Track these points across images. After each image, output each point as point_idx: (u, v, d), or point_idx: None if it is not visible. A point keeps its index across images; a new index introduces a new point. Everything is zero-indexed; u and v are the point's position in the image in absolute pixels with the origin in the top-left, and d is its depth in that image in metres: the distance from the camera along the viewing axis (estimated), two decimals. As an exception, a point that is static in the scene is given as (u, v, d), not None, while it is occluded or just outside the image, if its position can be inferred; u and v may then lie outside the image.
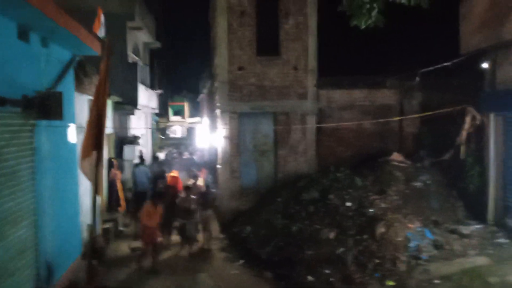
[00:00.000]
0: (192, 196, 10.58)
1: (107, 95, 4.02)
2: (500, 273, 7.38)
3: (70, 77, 8.08)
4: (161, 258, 9.91)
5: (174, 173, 12.62)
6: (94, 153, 3.85)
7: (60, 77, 7.41)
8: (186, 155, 23.00)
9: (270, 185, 13.30)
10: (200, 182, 12.28)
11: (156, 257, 9.43)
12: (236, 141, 13.32)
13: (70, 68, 7.88)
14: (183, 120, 36.79)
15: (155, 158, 17.32)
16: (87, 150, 3.90)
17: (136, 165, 13.17)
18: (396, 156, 11.90)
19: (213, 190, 12.28)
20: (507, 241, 8.70)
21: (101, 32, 6.14)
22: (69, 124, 7.75)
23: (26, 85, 5.93)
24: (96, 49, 7.73)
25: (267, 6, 13.08)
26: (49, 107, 5.81)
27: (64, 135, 7.61)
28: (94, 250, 6.13)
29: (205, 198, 11.00)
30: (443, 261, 8.11)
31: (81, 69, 8.94)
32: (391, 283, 7.52)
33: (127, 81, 16.50)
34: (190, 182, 12.42)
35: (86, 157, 3.90)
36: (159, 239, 9.49)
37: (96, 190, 3.99)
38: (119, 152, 14.38)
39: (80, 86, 8.92)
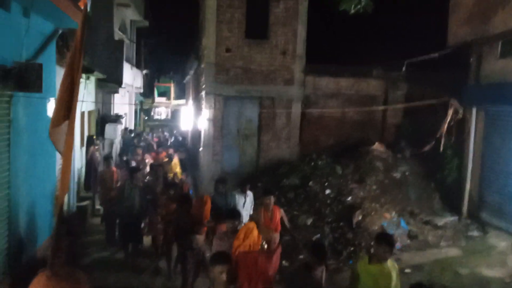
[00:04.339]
0: None
1: (81, 63, 3.90)
2: (471, 264, 7.59)
3: (51, 50, 7.87)
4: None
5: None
6: (65, 124, 3.74)
7: (41, 49, 7.20)
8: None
9: (252, 170, 13.31)
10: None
11: None
12: (219, 124, 13.25)
13: (52, 41, 7.66)
14: (168, 101, 36.33)
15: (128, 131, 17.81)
16: (57, 119, 3.78)
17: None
18: (377, 146, 12.00)
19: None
20: (479, 234, 8.91)
21: (86, 6, 5.96)
22: (49, 98, 7.58)
23: (5, 56, 5.76)
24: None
25: (258, -12, 12.93)
26: (28, 78, 5.66)
27: (43, 108, 7.44)
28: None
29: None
30: (416, 251, 8.30)
31: (64, 42, 8.73)
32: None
33: (112, 58, 16.23)
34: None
35: (56, 126, 3.79)
36: None
37: (67, 164, 3.90)
38: (101, 131, 14.19)
39: (62, 60, 8.71)
